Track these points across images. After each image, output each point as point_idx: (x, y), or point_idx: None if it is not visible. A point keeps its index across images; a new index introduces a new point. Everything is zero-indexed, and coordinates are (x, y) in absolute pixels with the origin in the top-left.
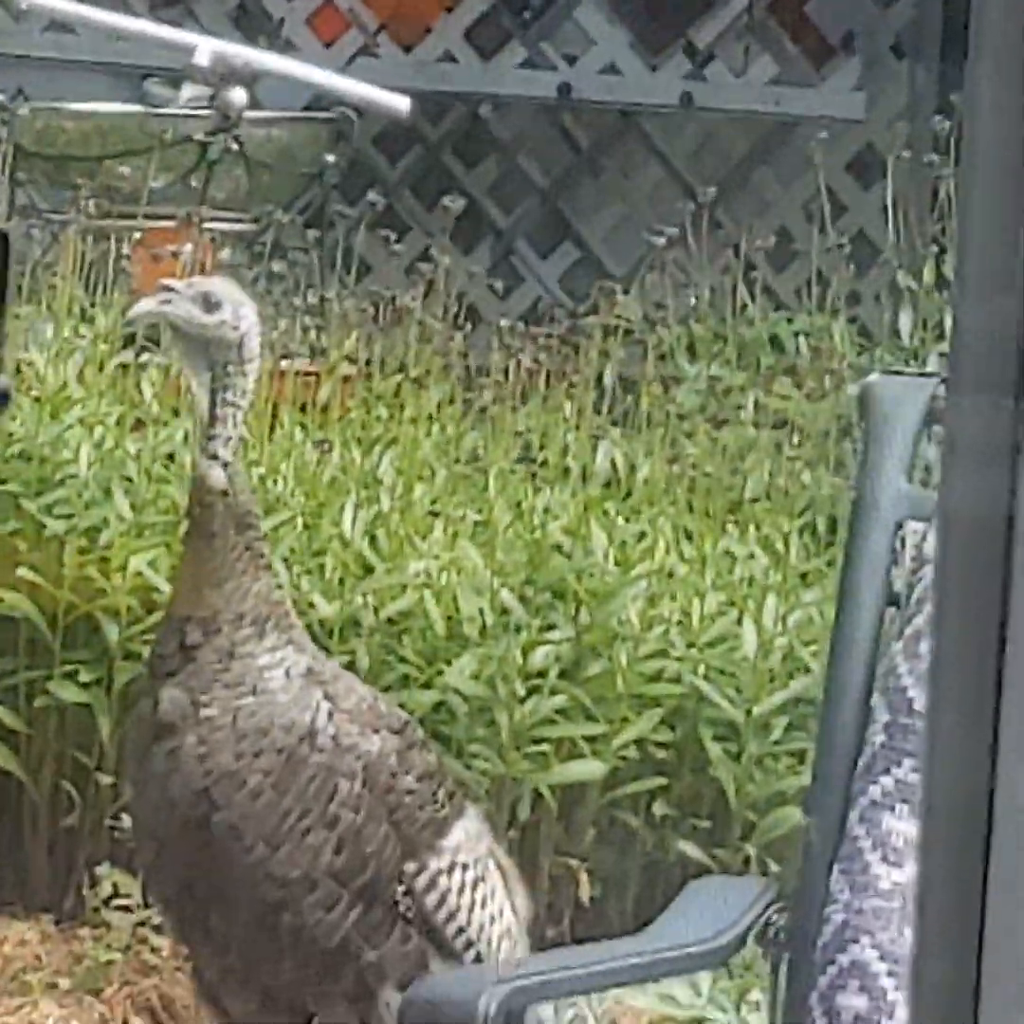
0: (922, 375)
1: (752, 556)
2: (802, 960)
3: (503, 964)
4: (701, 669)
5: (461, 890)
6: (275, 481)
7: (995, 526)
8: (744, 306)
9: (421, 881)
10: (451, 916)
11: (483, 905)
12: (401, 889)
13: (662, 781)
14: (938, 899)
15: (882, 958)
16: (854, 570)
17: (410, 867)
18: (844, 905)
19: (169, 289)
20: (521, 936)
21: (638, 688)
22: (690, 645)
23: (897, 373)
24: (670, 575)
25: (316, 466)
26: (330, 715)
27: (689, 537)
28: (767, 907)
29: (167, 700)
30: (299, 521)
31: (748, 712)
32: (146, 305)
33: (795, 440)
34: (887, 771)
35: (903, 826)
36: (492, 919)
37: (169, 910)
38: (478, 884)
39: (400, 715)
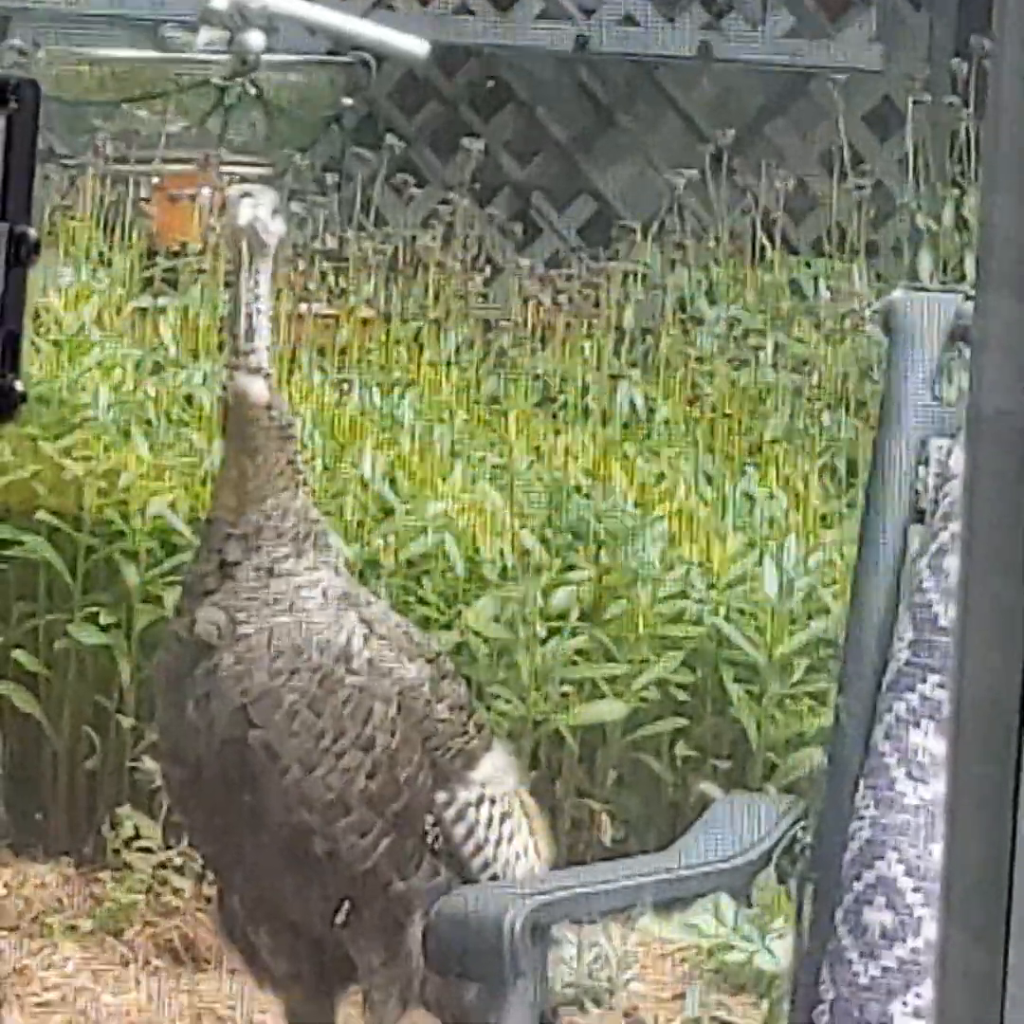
0: (946, 291)
1: (772, 497)
2: (828, 877)
3: (529, 880)
4: (722, 610)
5: (489, 823)
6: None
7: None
8: (763, 250)
9: (451, 812)
10: (478, 849)
11: (509, 840)
12: (430, 819)
13: (683, 722)
14: (967, 814)
15: (908, 873)
16: (879, 486)
17: (441, 797)
18: (870, 821)
19: (248, 195)
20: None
21: (659, 629)
22: (711, 586)
23: (921, 289)
24: (690, 517)
25: (336, 408)
26: (366, 639)
27: (709, 479)
28: (793, 824)
29: (204, 619)
30: (319, 463)
31: (769, 653)
32: (247, 211)
33: (815, 382)
34: (912, 688)
35: (929, 742)
36: (517, 856)
37: (199, 836)
38: (505, 819)
39: (431, 644)
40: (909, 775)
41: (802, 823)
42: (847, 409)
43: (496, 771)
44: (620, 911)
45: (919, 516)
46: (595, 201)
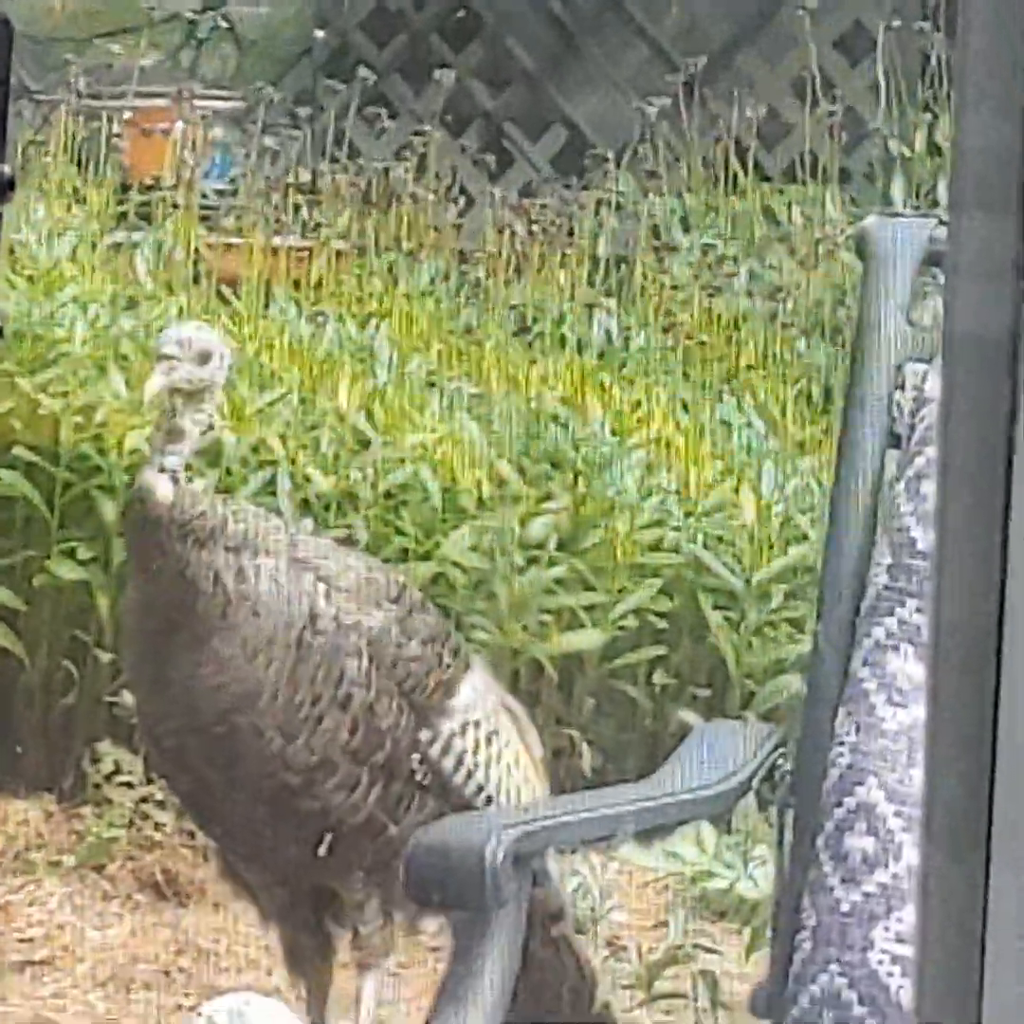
0: (919, 216)
1: (749, 424)
2: (808, 803)
3: (510, 809)
4: (699, 538)
5: (476, 748)
6: (270, 357)
7: (1001, 345)
8: (736, 178)
9: (436, 748)
10: (469, 776)
11: (498, 759)
12: (417, 758)
13: (661, 650)
14: (947, 738)
15: (889, 799)
16: (855, 412)
17: (424, 735)
18: (850, 747)
19: (169, 358)
20: (538, 779)
21: (636, 558)
22: (688, 514)
23: (895, 214)
24: (667, 444)
25: (311, 341)
26: (328, 596)
27: (685, 406)
28: (773, 751)
29: (172, 658)
30: (294, 396)
31: (747, 580)
32: (157, 383)
33: (789, 308)
34: (891, 612)
35: (908, 667)
36: (509, 770)
37: (186, 803)
38: (492, 739)
39: (395, 579)
40: (888, 700)
41: (782, 750)
42: (822, 335)
43: (475, 693)
44: (602, 840)
45: (895, 441)
46: (567, 130)
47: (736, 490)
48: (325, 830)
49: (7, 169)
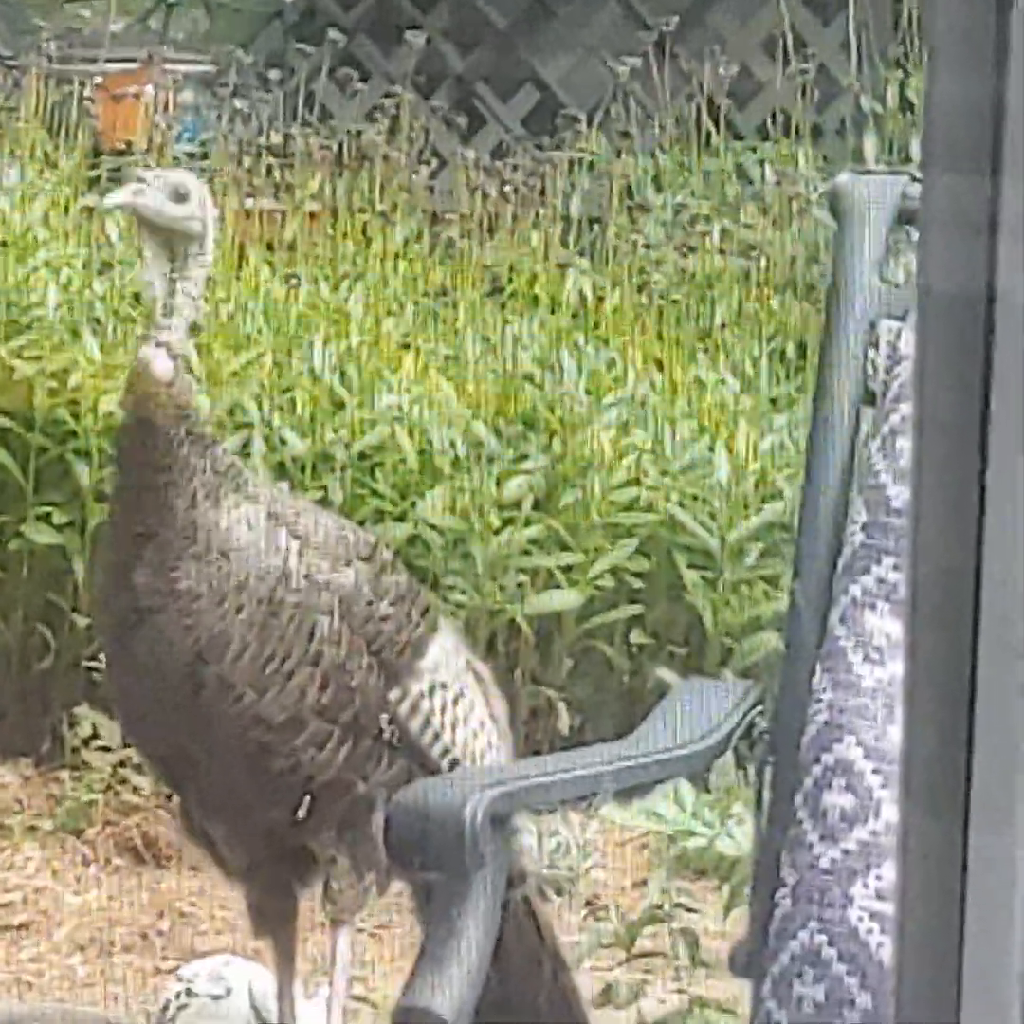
0: (892, 173)
1: (723, 382)
2: (786, 761)
3: (488, 770)
4: (675, 497)
5: (443, 709)
6: (244, 319)
7: (974, 301)
8: (708, 136)
9: (404, 708)
10: (436, 737)
11: (465, 722)
12: (386, 717)
13: (638, 609)
14: (925, 695)
15: (867, 756)
16: (829, 370)
17: (393, 695)
18: (827, 704)
19: (141, 180)
20: (503, 743)
21: (612, 517)
22: (663, 473)
23: (867, 172)
24: (641, 403)
25: (284, 303)
26: (301, 553)
27: (659, 365)
28: (750, 709)
29: (141, 584)
30: (269, 358)
31: (722, 538)
32: (119, 196)
33: (763, 266)
34: (867, 570)
35: (885, 624)
36: (474, 734)
37: (156, 764)
38: (458, 700)
39: (367, 539)
40: (866, 658)
41: (760, 708)
42: (795, 293)
43: (444, 653)
44: (580, 799)
45: (870, 398)
46: (539, 90)
47: (711, 448)
48: (295, 787)
49: None
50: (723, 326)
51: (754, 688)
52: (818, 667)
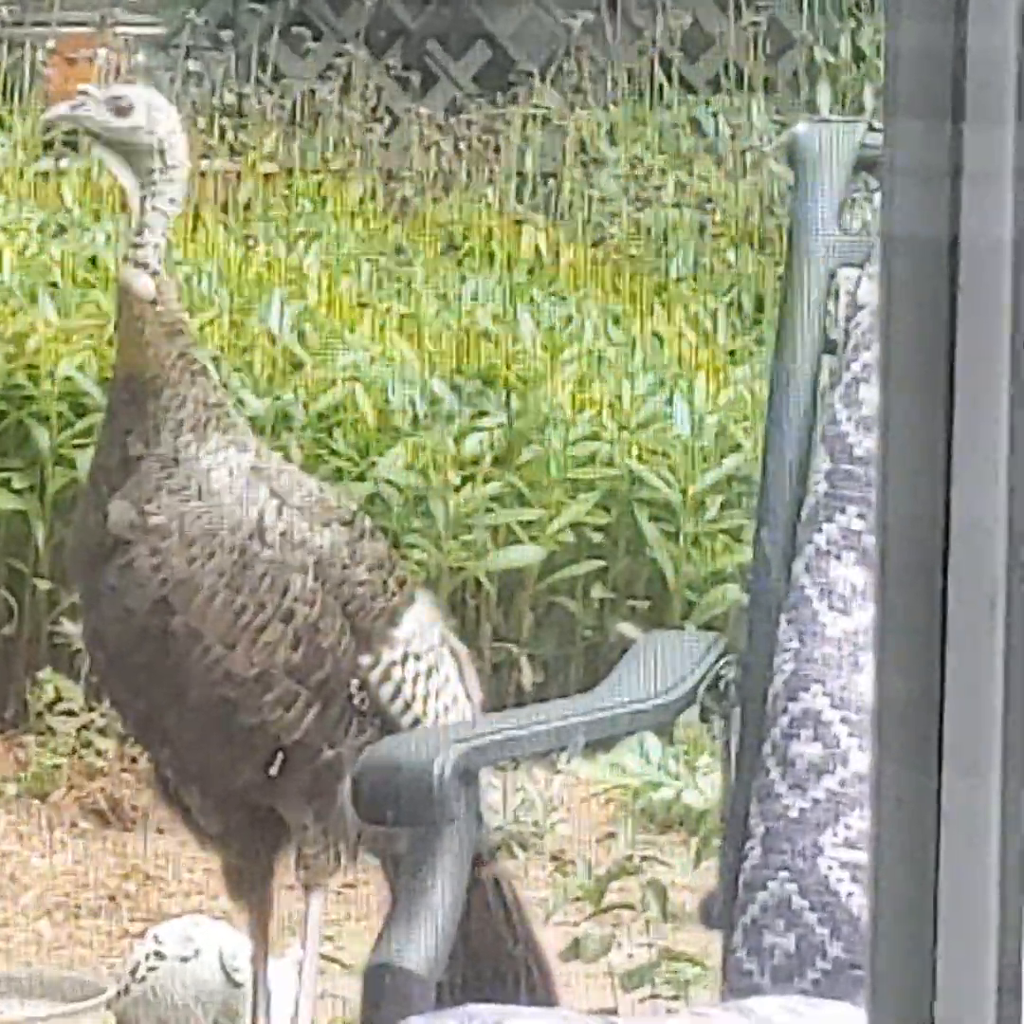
0: (849, 121)
1: (680, 335)
2: (753, 712)
3: (456, 726)
4: (634, 451)
5: (415, 680)
6: (200, 280)
7: (938, 246)
8: (661, 90)
9: (375, 674)
10: (406, 707)
11: (437, 695)
12: (356, 683)
13: (599, 564)
14: (895, 643)
15: (834, 705)
16: (789, 319)
17: (365, 660)
18: (793, 654)
19: (84, 94)
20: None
21: (572, 472)
22: (622, 428)
23: (824, 120)
24: (599, 358)
25: (241, 264)
26: (279, 511)
27: (616, 320)
28: (716, 660)
29: (115, 513)
30: (226, 319)
31: (683, 491)
32: (60, 109)
33: (718, 219)
34: (831, 519)
35: (850, 573)
36: (446, 708)
37: (126, 715)
38: (431, 673)
39: (348, 505)
40: (831, 607)
41: (726, 659)
42: (751, 245)
43: (420, 626)
44: (549, 753)
45: (830, 348)
46: (490, 48)
47: (670, 402)
48: (261, 748)
49: None
50: (680, 279)
51: (720, 640)
52: (783, 617)
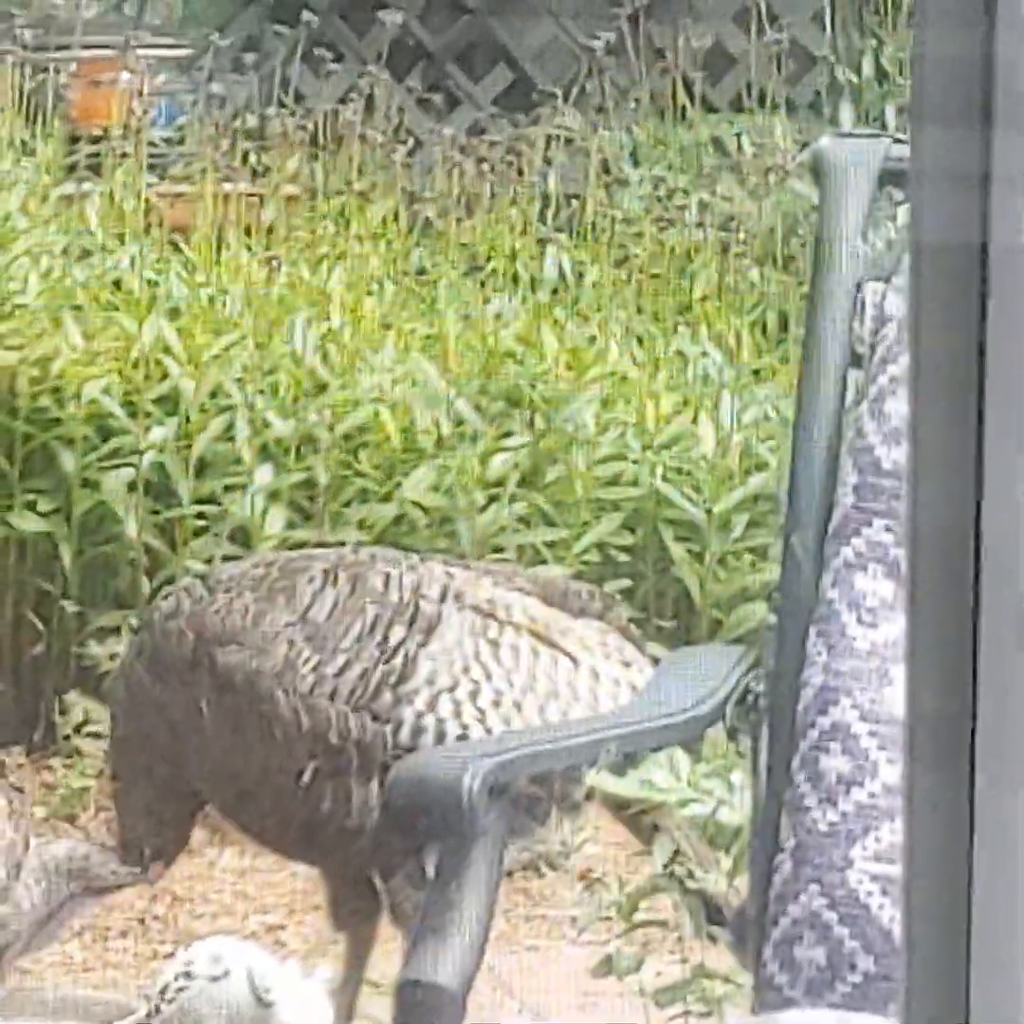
0: (873, 135)
1: (704, 355)
2: (782, 726)
3: (486, 740)
4: (659, 470)
5: (458, 712)
6: (224, 302)
7: (968, 253)
8: (684, 110)
9: (405, 735)
10: (465, 732)
11: (497, 704)
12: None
13: (625, 584)
14: (926, 655)
15: (863, 718)
16: (816, 334)
17: (387, 729)
18: (822, 667)
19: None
20: (586, 653)
21: (597, 492)
22: (647, 447)
23: (849, 135)
24: (623, 378)
25: (265, 285)
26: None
27: (640, 340)
28: (745, 674)
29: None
30: (250, 341)
31: (708, 511)
32: None
33: (741, 238)
34: (858, 532)
35: (877, 586)
36: (517, 703)
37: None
38: (477, 691)
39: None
40: (859, 620)
41: (754, 672)
42: (775, 264)
43: (440, 657)
44: (577, 768)
45: (857, 361)
46: (511, 70)
47: (694, 421)
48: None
49: None
50: (704, 299)
51: (748, 653)
52: (811, 630)
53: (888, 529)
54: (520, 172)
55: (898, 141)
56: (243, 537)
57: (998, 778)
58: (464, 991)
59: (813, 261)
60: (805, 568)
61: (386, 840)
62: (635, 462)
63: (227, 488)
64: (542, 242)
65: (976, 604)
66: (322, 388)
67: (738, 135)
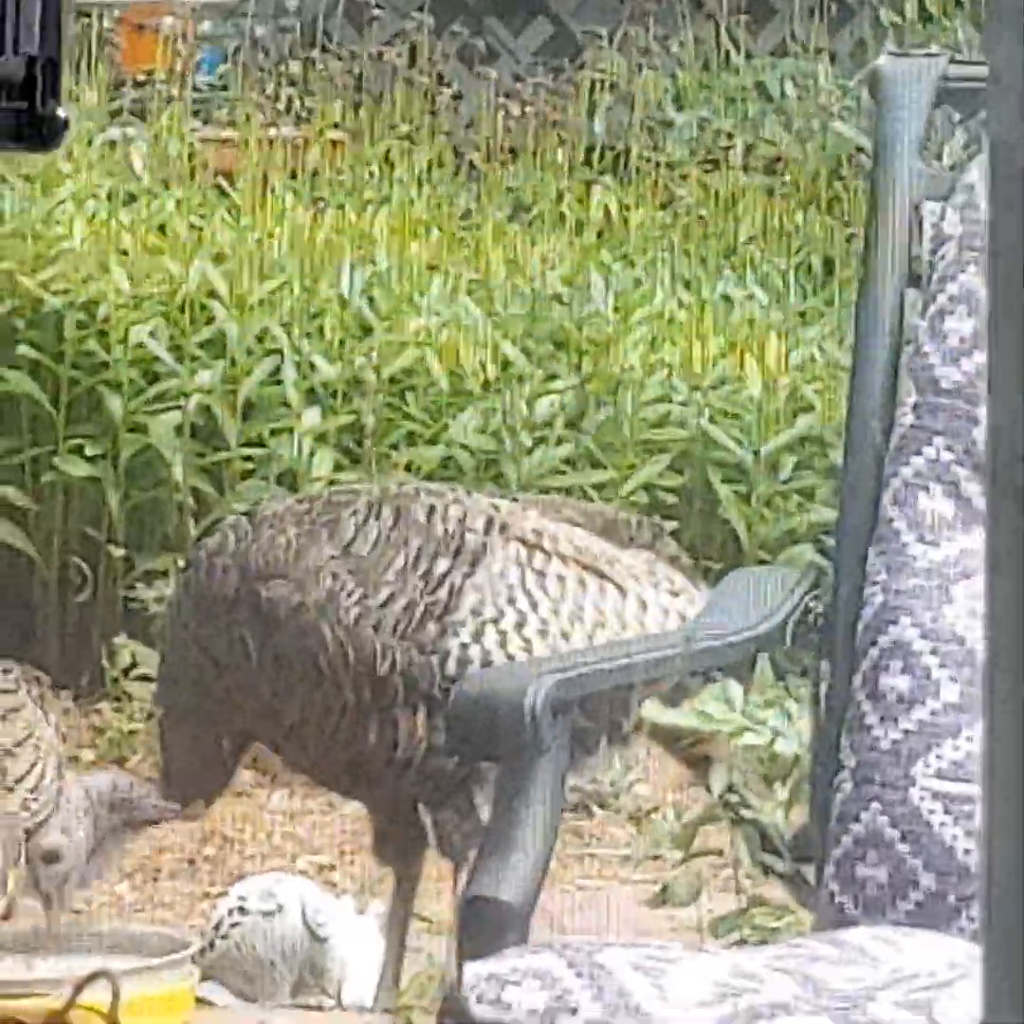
0: (930, 54)
1: (750, 297)
2: (842, 645)
3: (549, 658)
4: (706, 412)
5: (504, 641)
6: (270, 246)
7: None
8: (727, 54)
9: (451, 666)
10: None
11: (543, 633)
12: (436, 687)
13: (672, 525)
14: (1006, 561)
15: (923, 636)
16: (874, 253)
17: (433, 660)
18: (882, 586)
19: None
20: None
21: (644, 434)
22: (694, 389)
23: (905, 54)
24: (670, 320)
25: (310, 229)
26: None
27: (686, 283)
28: (805, 594)
29: None
30: (296, 284)
31: (755, 452)
32: None
33: (786, 181)
34: (918, 451)
35: (937, 504)
36: (564, 632)
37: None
38: (523, 622)
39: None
40: (919, 539)
41: (814, 593)
42: (819, 207)
43: (486, 586)
44: (628, 698)
45: (915, 281)
46: (551, 23)
47: (741, 363)
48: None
49: (62, 112)
50: (749, 241)
51: (808, 574)
52: (871, 549)
53: (949, 448)
54: (564, 114)
55: (955, 60)
56: (290, 480)
57: None
58: (528, 908)
59: (872, 181)
60: (862, 491)
61: (434, 771)
62: (682, 404)
63: (273, 431)
64: (588, 184)
65: None
66: (368, 331)
67: (781, 79)
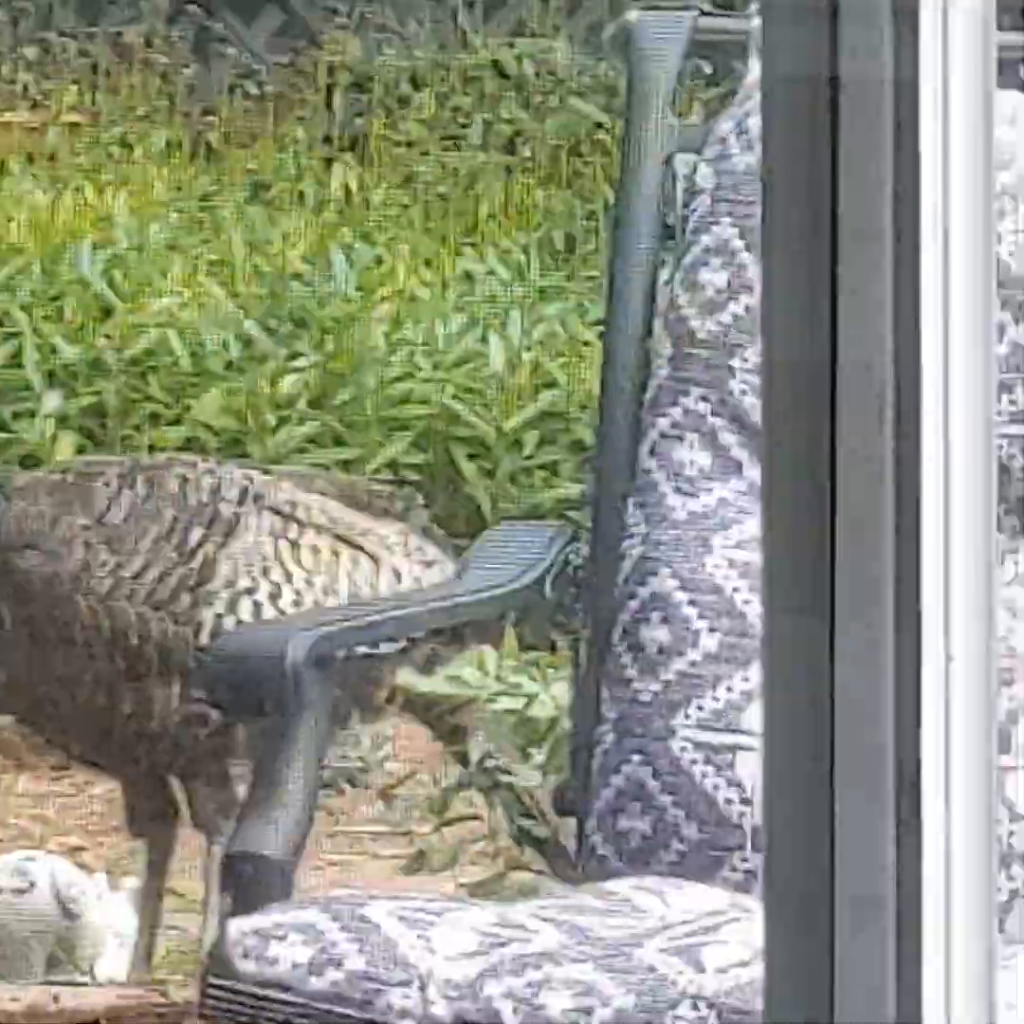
0: (681, 7)
1: (492, 274)
2: (602, 597)
3: (308, 612)
4: (449, 389)
5: (257, 611)
6: (8, 230)
7: (817, 84)
8: (465, 36)
9: (205, 637)
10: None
11: (299, 601)
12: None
13: (419, 502)
14: (784, 492)
15: (682, 588)
16: (626, 207)
17: (186, 632)
18: (641, 538)
19: None
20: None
21: (387, 411)
22: (436, 366)
23: (654, 8)
24: (412, 298)
25: (50, 212)
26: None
27: (427, 261)
28: (564, 547)
29: None
30: (36, 266)
31: (499, 428)
32: None
33: (526, 156)
34: (675, 402)
35: (695, 455)
36: (326, 591)
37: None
38: (279, 591)
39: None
40: (677, 490)
41: (573, 546)
42: (559, 183)
43: (241, 556)
44: (379, 668)
45: (669, 233)
46: (282, 10)
47: (483, 340)
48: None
49: None
50: (490, 218)
51: (566, 529)
52: (630, 502)
53: (704, 398)
54: (302, 94)
55: (705, 13)
56: (33, 463)
57: (856, 616)
58: (291, 864)
59: (624, 135)
60: (618, 444)
61: (188, 742)
62: (425, 381)
63: (16, 414)
64: (328, 162)
65: (833, 441)
66: (109, 313)
67: (519, 58)
